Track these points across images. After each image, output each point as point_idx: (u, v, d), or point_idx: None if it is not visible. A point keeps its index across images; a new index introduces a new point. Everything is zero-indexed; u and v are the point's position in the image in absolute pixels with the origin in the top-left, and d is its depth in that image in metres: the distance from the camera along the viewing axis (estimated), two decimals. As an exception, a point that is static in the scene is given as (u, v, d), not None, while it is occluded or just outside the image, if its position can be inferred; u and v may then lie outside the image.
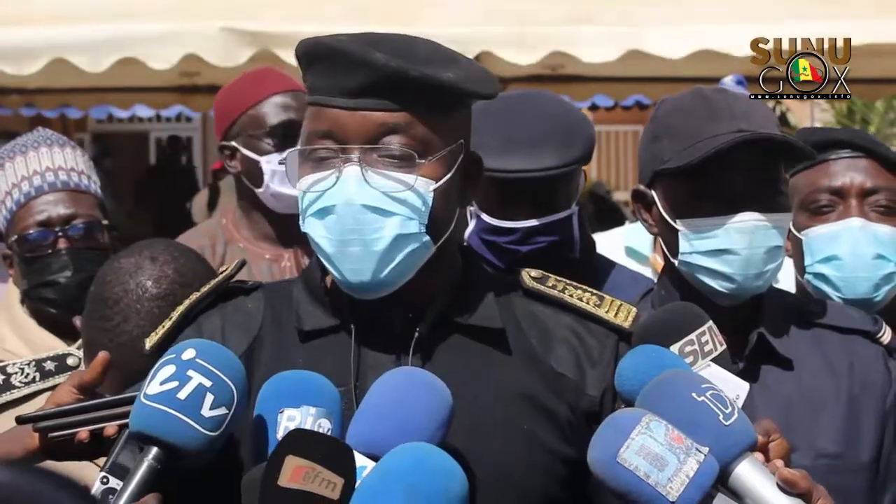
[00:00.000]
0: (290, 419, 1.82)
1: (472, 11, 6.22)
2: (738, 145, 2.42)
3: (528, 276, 2.12)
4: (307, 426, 1.81)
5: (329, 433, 1.81)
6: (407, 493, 1.69)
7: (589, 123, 3.12)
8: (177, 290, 2.50)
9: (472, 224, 3.03)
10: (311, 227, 1.99)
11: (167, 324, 2.13)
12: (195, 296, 2.14)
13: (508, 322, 2.06)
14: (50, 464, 2.17)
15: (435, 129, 1.98)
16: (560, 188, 2.99)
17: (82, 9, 6.20)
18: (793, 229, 2.88)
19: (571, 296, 2.10)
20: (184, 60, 6.20)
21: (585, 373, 2.04)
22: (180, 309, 2.13)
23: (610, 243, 3.62)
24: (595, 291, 2.13)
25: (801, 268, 2.91)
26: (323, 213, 1.97)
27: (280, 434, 1.81)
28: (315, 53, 1.99)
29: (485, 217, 2.99)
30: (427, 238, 1.98)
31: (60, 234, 3.15)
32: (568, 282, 2.13)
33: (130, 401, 1.96)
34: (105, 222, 3.23)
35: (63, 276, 3.15)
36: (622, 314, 2.09)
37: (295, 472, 1.71)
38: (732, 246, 2.45)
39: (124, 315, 2.52)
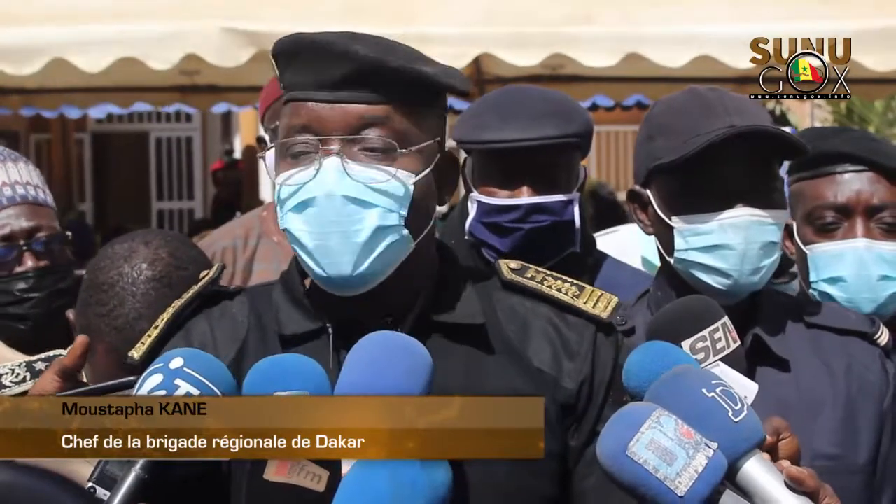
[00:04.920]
0: None
1: (472, 11, 6.23)
2: (731, 138, 2.42)
3: (507, 267, 2.12)
4: None
5: None
6: (392, 482, 1.70)
7: (587, 112, 3.19)
8: (172, 272, 2.50)
9: (472, 211, 3.06)
10: (290, 221, 1.97)
11: (154, 333, 2.10)
12: (179, 302, 2.12)
13: (488, 317, 2.05)
14: (49, 463, 2.17)
15: (414, 122, 1.98)
16: (560, 165, 3.04)
17: (82, 8, 6.21)
18: (798, 241, 2.88)
19: (550, 287, 2.09)
20: (184, 60, 6.21)
21: (563, 365, 2.03)
22: (165, 317, 2.11)
23: (627, 249, 3.59)
24: (575, 282, 2.12)
25: (806, 281, 2.90)
26: (303, 206, 1.96)
27: None
28: (295, 48, 1.99)
29: (484, 198, 3.03)
30: (406, 232, 1.97)
31: (25, 248, 3.13)
32: (547, 272, 2.12)
33: (114, 389, 1.95)
34: (68, 233, 3.21)
35: (28, 297, 3.12)
36: (601, 304, 2.07)
37: (280, 466, 1.73)
38: (727, 241, 2.45)
39: (120, 299, 2.52)
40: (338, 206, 1.94)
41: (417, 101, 1.99)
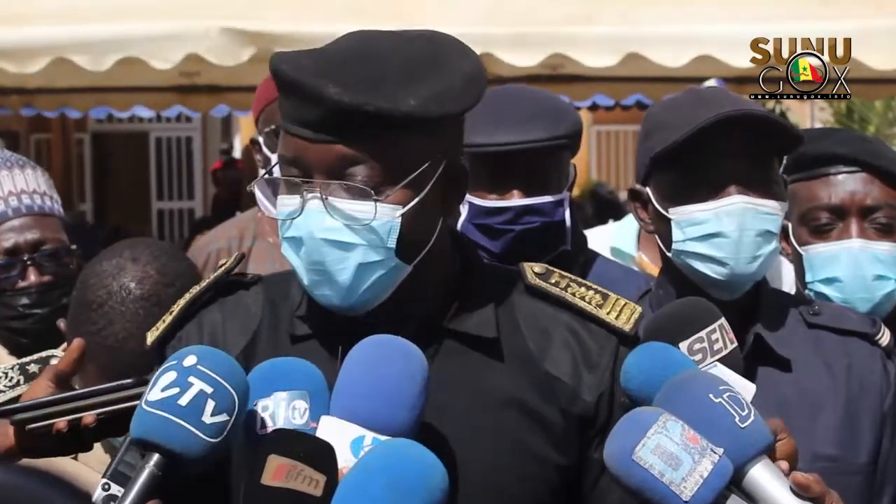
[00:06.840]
0: (264, 409, 1.84)
1: (473, 11, 6.23)
2: (722, 123, 2.42)
3: (531, 271, 2.08)
4: (281, 411, 1.83)
5: (306, 413, 1.83)
6: (388, 487, 1.71)
7: (576, 112, 3.21)
8: (160, 290, 2.50)
9: (463, 212, 3.06)
10: (285, 251, 1.98)
11: (168, 318, 2.11)
12: (195, 290, 2.12)
13: (506, 324, 2.03)
14: (46, 463, 2.17)
15: (402, 154, 1.93)
16: (550, 167, 3.04)
17: (82, 8, 6.21)
18: (794, 242, 2.88)
19: (574, 294, 2.06)
20: (184, 60, 6.21)
21: (582, 376, 2.01)
22: (181, 303, 2.11)
23: (595, 243, 3.60)
24: (599, 289, 2.08)
25: (802, 282, 2.91)
26: (292, 241, 1.96)
27: (258, 427, 1.83)
28: (276, 80, 1.95)
29: (475, 200, 3.02)
30: (397, 261, 1.94)
31: (29, 262, 3.11)
32: (572, 278, 2.09)
33: (109, 391, 1.96)
34: (73, 246, 3.19)
35: (31, 314, 3.10)
36: (625, 315, 2.05)
37: (278, 471, 1.74)
38: (722, 229, 2.46)
39: (109, 318, 2.52)
40: (320, 248, 1.93)
41: (406, 131, 1.92)
